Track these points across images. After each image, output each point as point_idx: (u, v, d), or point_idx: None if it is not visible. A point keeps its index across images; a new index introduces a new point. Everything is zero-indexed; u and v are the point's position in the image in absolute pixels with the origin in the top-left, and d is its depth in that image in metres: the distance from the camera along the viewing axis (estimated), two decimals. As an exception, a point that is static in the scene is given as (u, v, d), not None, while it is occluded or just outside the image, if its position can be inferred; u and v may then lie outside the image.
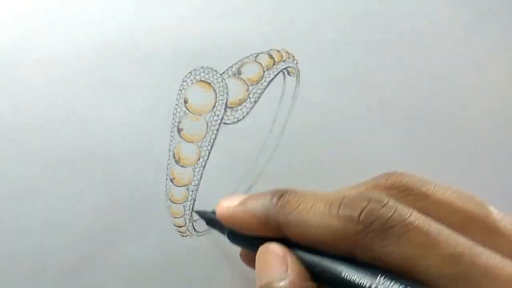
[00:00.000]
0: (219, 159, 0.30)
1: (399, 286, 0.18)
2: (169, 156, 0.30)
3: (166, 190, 0.30)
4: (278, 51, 0.30)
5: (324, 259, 0.21)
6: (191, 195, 0.30)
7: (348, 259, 0.20)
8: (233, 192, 0.30)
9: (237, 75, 0.30)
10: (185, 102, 0.30)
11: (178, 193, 0.30)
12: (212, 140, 0.30)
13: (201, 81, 0.30)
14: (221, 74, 0.30)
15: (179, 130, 0.30)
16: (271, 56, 0.30)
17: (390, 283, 0.18)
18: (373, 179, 0.23)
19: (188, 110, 0.30)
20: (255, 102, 0.30)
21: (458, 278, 0.18)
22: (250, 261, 0.26)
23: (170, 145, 0.30)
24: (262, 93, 0.30)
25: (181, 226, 0.30)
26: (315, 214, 0.21)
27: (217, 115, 0.30)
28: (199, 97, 0.30)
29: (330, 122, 0.31)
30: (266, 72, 0.30)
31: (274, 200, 0.23)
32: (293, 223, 0.22)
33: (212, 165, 0.30)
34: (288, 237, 0.22)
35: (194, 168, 0.30)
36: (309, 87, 0.31)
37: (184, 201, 0.30)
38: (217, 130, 0.30)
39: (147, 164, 0.29)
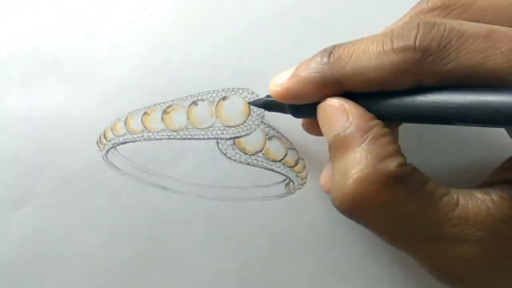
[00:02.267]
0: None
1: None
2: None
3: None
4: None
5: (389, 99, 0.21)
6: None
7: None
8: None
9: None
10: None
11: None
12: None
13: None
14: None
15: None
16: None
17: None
18: (415, 6, 0.23)
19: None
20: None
21: None
22: (315, 129, 0.25)
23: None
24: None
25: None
26: (370, 56, 0.21)
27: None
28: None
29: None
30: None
31: (325, 59, 0.22)
32: (351, 74, 0.21)
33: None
34: (349, 91, 0.22)
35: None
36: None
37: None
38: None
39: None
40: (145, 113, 0.29)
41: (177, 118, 0.29)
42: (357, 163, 0.20)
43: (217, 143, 0.29)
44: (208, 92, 0.29)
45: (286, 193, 0.29)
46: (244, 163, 0.29)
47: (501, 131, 0.24)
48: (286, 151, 0.29)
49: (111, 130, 0.29)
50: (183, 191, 0.29)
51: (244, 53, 0.29)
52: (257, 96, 0.29)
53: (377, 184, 0.20)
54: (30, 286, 0.29)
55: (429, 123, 0.21)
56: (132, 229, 0.29)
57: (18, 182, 0.29)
